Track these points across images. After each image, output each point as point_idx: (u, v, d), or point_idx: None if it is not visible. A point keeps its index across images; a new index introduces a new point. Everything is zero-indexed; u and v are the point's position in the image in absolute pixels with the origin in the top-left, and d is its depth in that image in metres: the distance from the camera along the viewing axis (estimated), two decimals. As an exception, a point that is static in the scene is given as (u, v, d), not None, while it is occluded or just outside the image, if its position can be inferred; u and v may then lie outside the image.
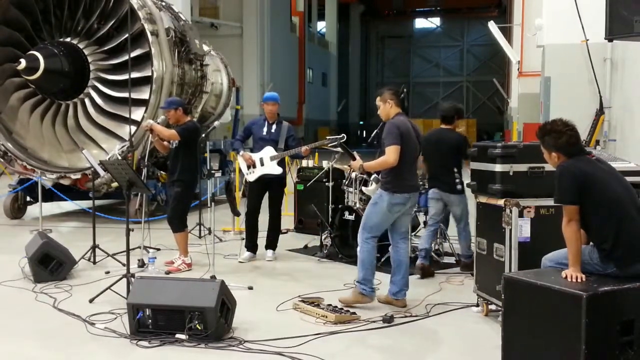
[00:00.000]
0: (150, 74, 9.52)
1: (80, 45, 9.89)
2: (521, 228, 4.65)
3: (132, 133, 9.17)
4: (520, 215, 4.65)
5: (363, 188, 6.80)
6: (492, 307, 5.02)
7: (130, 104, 8.83)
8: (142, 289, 4.61)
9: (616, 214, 3.69)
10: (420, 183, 6.37)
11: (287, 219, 8.61)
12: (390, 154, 5.08)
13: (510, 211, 4.65)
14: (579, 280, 3.61)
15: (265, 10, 31.55)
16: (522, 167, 4.81)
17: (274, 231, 7.24)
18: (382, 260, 6.60)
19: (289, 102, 32.55)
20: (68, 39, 9.95)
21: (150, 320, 4.47)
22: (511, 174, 4.80)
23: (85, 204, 10.29)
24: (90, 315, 4.94)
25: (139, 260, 6.56)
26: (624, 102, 9.95)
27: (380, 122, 5.52)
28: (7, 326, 4.88)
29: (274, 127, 7.06)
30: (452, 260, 7.06)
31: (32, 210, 10.25)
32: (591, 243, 3.86)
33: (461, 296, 5.63)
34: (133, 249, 6.15)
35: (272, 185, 7.06)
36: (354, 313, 4.99)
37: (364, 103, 50.77)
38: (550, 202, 4.38)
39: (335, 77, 46.89)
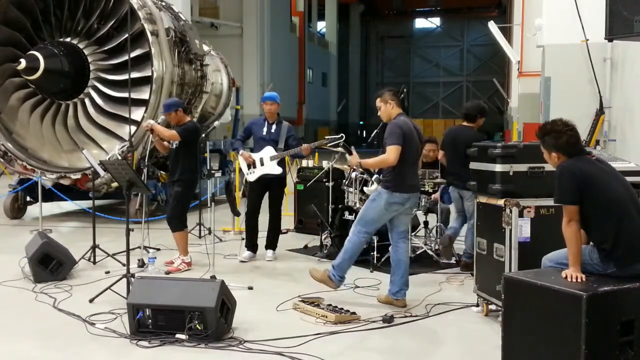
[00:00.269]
0: (150, 74, 9.52)
1: (80, 45, 9.90)
2: (521, 228, 4.65)
3: (132, 133, 9.17)
4: (520, 215, 4.65)
5: (364, 188, 6.80)
6: (492, 307, 5.02)
7: (130, 104, 8.83)
8: (142, 289, 4.61)
9: (616, 214, 3.69)
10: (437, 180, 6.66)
11: (287, 219, 8.61)
12: (391, 154, 5.10)
13: (510, 211, 4.65)
14: (579, 280, 3.61)
15: (265, 10, 31.55)
16: (522, 167, 4.81)
17: (274, 231, 7.23)
18: (382, 260, 6.61)
19: (289, 102, 32.54)
20: (68, 39, 9.95)
21: (150, 320, 4.47)
22: (511, 174, 4.80)
23: (85, 204, 10.29)
24: (90, 315, 4.94)
25: (139, 260, 6.56)
26: (624, 102, 9.95)
27: (381, 122, 5.54)
28: (7, 326, 4.88)
29: (274, 127, 7.06)
30: (452, 260, 7.05)
31: (32, 210, 10.25)
32: (591, 243, 3.85)
33: (461, 296, 5.63)
34: (133, 249, 6.16)
35: (272, 185, 7.06)
36: (354, 313, 4.99)
37: (364, 103, 50.76)
38: (550, 202, 4.38)
39: (335, 77, 46.88)
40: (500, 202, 4.75)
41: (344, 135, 6.73)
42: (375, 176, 5.76)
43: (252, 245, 7.15)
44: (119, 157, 8.74)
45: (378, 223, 5.40)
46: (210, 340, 4.35)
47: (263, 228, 7.23)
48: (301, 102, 38.17)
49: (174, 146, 6.65)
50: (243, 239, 7.29)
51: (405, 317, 5.06)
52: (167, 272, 6.40)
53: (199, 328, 4.36)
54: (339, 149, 6.80)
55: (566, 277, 3.66)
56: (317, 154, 12.54)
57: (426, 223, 7.45)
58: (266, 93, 7.50)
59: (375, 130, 6.80)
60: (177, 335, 4.38)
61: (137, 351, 4.30)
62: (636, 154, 8.27)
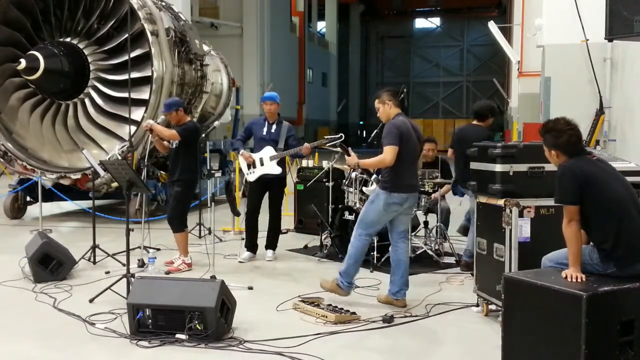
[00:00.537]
0: (150, 74, 9.52)
1: (80, 45, 9.90)
2: (521, 228, 4.65)
3: (132, 133, 9.17)
4: (520, 215, 4.65)
5: (363, 188, 6.80)
6: (492, 307, 5.02)
7: (130, 104, 8.83)
8: (142, 289, 4.61)
9: (616, 214, 3.69)
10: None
11: (287, 219, 8.61)
12: (388, 154, 5.10)
13: (510, 211, 4.65)
14: (579, 280, 3.61)
15: (265, 10, 31.55)
16: (522, 167, 4.81)
17: (274, 231, 7.23)
18: (382, 260, 6.61)
19: (289, 102, 32.54)
20: (68, 39, 9.96)
21: (150, 320, 4.47)
22: (511, 174, 4.80)
23: (85, 204, 10.29)
24: (90, 315, 4.94)
25: (139, 260, 6.56)
26: (624, 102, 9.95)
27: (380, 122, 5.53)
28: (7, 326, 4.88)
29: (274, 127, 7.06)
30: (452, 260, 7.05)
31: (32, 210, 10.25)
32: (591, 243, 3.85)
33: (461, 296, 5.63)
34: (133, 249, 6.16)
35: (272, 185, 7.06)
36: (354, 313, 5.00)
37: (364, 103, 50.74)
38: (550, 202, 4.39)
39: (335, 77, 46.87)
40: (500, 202, 4.75)
41: (343, 135, 6.72)
42: (374, 176, 5.77)
43: (252, 245, 7.14)
44: (119, 157, 8.74)
45: (378, 224, 5.39)
46: (210, 340, 4.35)
47: (263, 228, 7.23)
48: (301, 102, 38.17)
49: (174, 146, 6.65)
50: (243, 239, 7.29)
51: (405, 317, 5.06)
52: (167, 272, 6.40)
53: (199, 328, 4.36)
54: (338, 149, 6.80)
55: (566, 277, 3.66)
56: (317, 154, 12.54)
57: (426, 223, 7.45)
58: (266, 93, 7.50)
59: (375, 131, 6.79)
60: (177, 335, 4.38)
61: (137, 351, 4.29)
62: (636, 154, 8.27)
